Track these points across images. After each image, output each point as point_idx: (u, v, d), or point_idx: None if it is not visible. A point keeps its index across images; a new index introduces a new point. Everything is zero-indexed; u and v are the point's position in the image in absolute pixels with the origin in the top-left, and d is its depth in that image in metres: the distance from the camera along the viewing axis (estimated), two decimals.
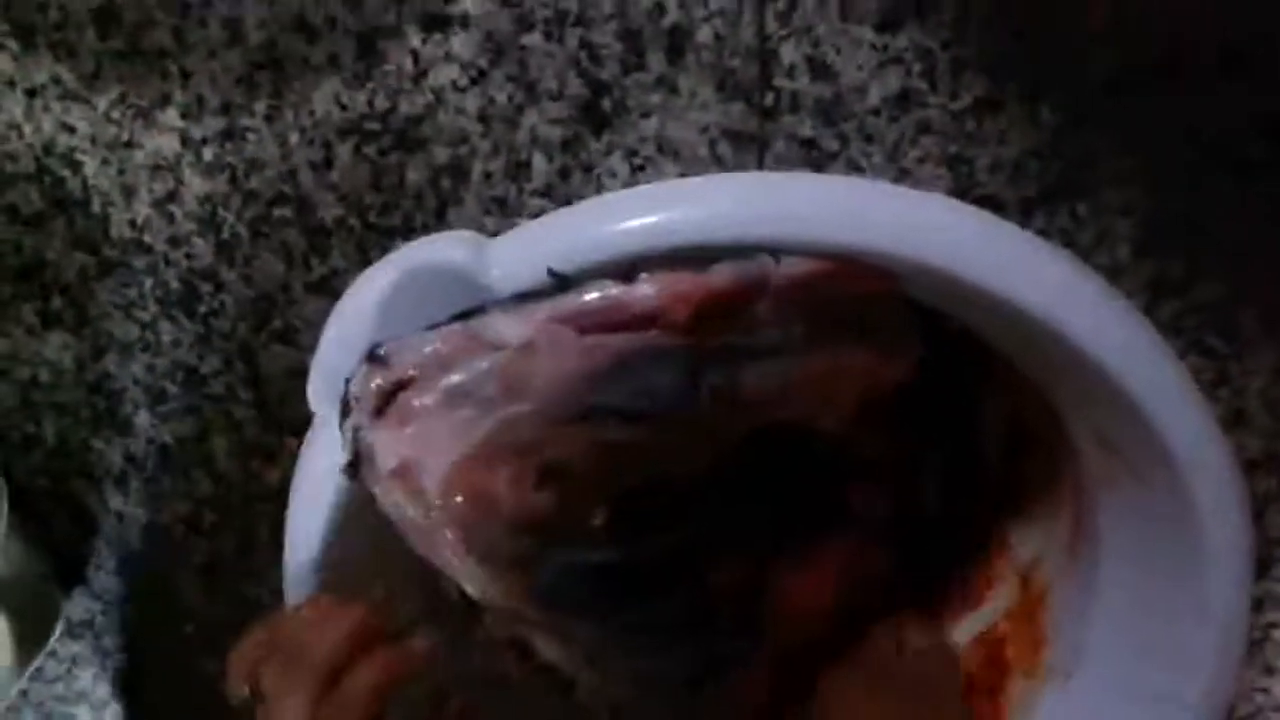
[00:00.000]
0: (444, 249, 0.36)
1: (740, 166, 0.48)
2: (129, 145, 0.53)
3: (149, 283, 0.56)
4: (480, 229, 0.41)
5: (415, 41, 0.49)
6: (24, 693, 0.66)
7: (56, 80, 0.53)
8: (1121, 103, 0.45)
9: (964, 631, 0.49)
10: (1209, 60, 0.44)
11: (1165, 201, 0.46)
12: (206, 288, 0.55)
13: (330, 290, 0.54)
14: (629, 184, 0.49)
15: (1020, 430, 0.46)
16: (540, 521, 0.40)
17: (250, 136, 0.52)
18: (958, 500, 0.48)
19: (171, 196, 0.54)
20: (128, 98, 0.52)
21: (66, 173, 0.55)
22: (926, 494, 0.48)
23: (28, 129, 0.54)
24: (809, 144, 0.47)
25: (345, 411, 0.36)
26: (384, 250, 0.49)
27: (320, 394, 0.37)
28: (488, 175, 0.50)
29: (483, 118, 0.49)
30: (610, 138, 0.49)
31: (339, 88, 0.50)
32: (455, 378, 0.36)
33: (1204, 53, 0.44)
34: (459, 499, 0.38)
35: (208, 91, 0.52)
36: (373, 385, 0.35)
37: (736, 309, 0.36)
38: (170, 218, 0.54)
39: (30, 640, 0.62)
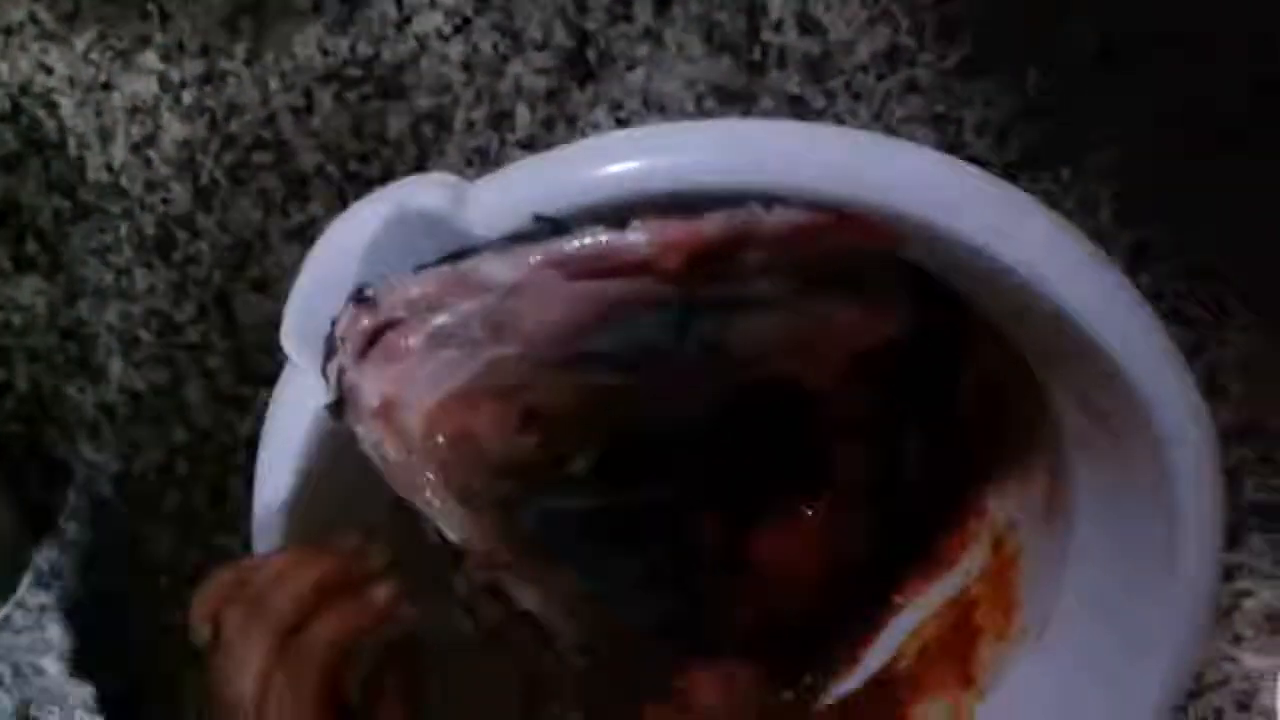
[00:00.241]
0: (423, 192, 0.35)
1: None
2: (107, 87, 0.53)
3: (125, 228, 0.55)
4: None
5: None
6: None
7: (34, 19, 0.52)
8: (1110, 68, 0.45)
9: (936, 594, 0.48)
10: (1198, 27, 0.44)
11: (1149, 168, 0.46)
12: (183, 234, 0.55)
13: (308, 239, 0.52)
14: None
15: (996, 396, 0.46)
16: (522, 465, 0.40)
17: (230, 80, 0.51)
18: (935, 464, 0.48)
19: (149, 140, 0.53)
20: (106, 38, 0.52)
21: (43, 114, 0.54)
22: (906, 457, 0.48)
23: (3, 68, 0.53)
24: (796, 100, 0.47)
25: (330, 353, 0.36)
26: None
27: (294, 338, 0.37)
28: (470, 125, 0.50)
29: (466, 66, 0.49)
30: (595, 89, 0.48)
31: (321, 33, 0.50)
32: (442, 319, 0.35)
33: (1193, 19, 0.44)
34: (441, 439, 0.37)
35: (188, 33, 0.51)
36: (360, 326, 0.35)
37: (728, 257, 0.35)
38: (148, 161, 0.54)
39: None
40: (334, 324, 0.35)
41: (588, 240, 0.34)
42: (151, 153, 0.53)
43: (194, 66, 0.51)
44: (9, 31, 0.53)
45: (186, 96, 0.52)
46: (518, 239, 0.35)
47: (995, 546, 0.47)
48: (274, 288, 0.55)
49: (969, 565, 0.47)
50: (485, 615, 0.44)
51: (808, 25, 0.46)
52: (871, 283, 0.40)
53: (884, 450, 0.47)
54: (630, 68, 0.48)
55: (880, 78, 0.46)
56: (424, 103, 0.50)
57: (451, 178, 0.36)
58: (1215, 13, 0.44)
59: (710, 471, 0.46)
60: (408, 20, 0.49)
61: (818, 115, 0.47)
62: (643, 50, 0.47)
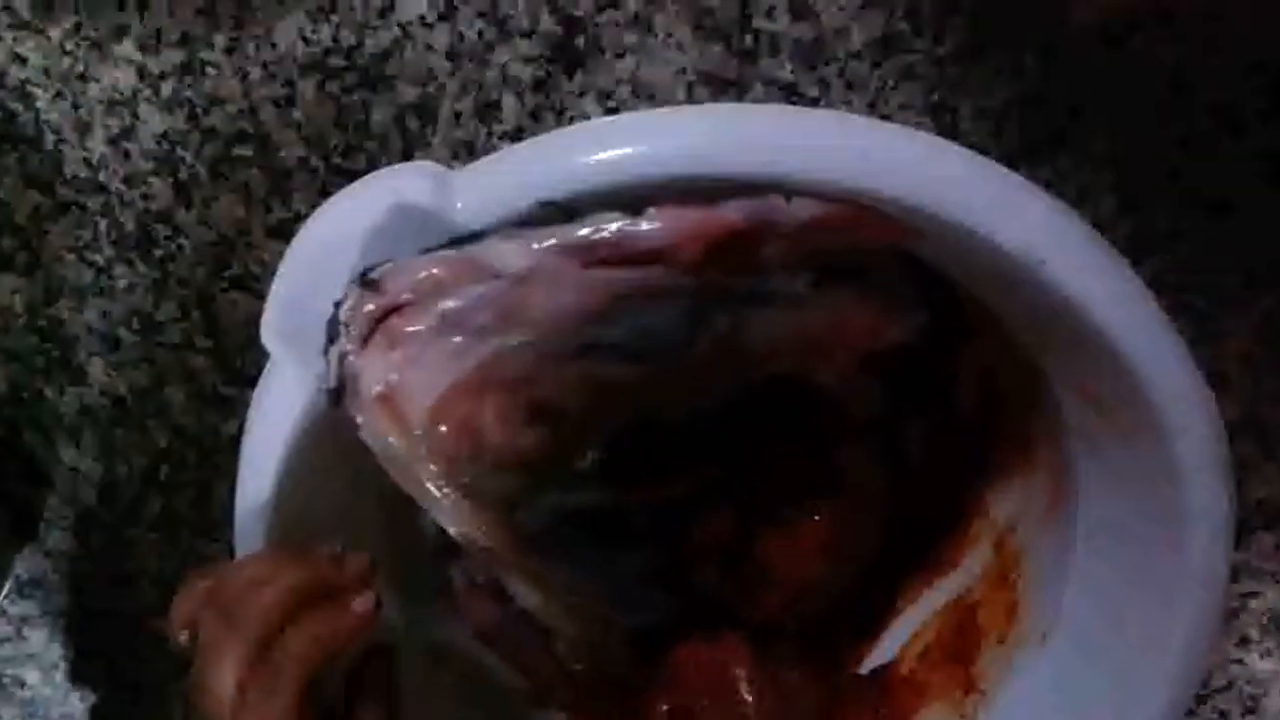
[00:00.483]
0: (406, 180, 0.34)
1: None
2: (83, 78, 0.52)
3: (104, 224, 0.54)
4: None
5: None
6: None
7: (7, 8, 0.51)
8: (1108, 54, 0.44)
9: (936, 597, 0.48)
10: (1197, 10, 0.43)
11: (1150, 156, 0.45)
12: (163, 230, 0.54)
13: (291, 234, 0.51)
14: None
15: (997, 392, 0.45)
16: (527, 460, 0.39)
17: (210, 71, 0.50)
18: (939, 463, 0.47)
19: (128, 133, 0.52)
20: (82, 28, 0.51)
21: (18, 106, 0.53)
22: (911, 457, 0.47)
23: None
24: (789, 88, 0.46)
25: (332, 338, 0.35)
26: None
27: (274, 332, 0.36)
28: (456, 115, 0.49)
29: (451, 55, 0.48)
30: (583, 78, 0.47)
31: (303, 21, 0.49)
32: (450, 303, 0.34)
33: (1193, 2, 0.43)
34: (444, 428, 0.36)
35: (166, 23, 0.50)
36: (364, 310, 0.34)
37: (748, 248, 0.34)
38: (126, 155, 0.53)
39: None
40: (337, 307, 0.34)
41: (606, 227, 0.34)
42: (130, 146, 0.52)
43: (173, 56, 0.50)
44: None
45: (165, 88, 0.51)
46: (523, 224, 0.34)
47: (997, 547, 0.46)
48: (257, 285, 0.54)
49: (971, 567, 0.47)
50: (480, 614, 0.44)
51: (800, 11, 0.45)
52: (886, 285, 0.40)
53: (889, 451, 0.47)
54: (619, 55, 0.47)
55: (875, 65, 0.45)
56: (408, 93, 0.49)
57: (434, 165, 0.35)
58: None
59: (716, 470, 0.46)
60: (391, 7, 0.48)
61: (811, 104, 0.46)
62: (632, 38, 0.47)
